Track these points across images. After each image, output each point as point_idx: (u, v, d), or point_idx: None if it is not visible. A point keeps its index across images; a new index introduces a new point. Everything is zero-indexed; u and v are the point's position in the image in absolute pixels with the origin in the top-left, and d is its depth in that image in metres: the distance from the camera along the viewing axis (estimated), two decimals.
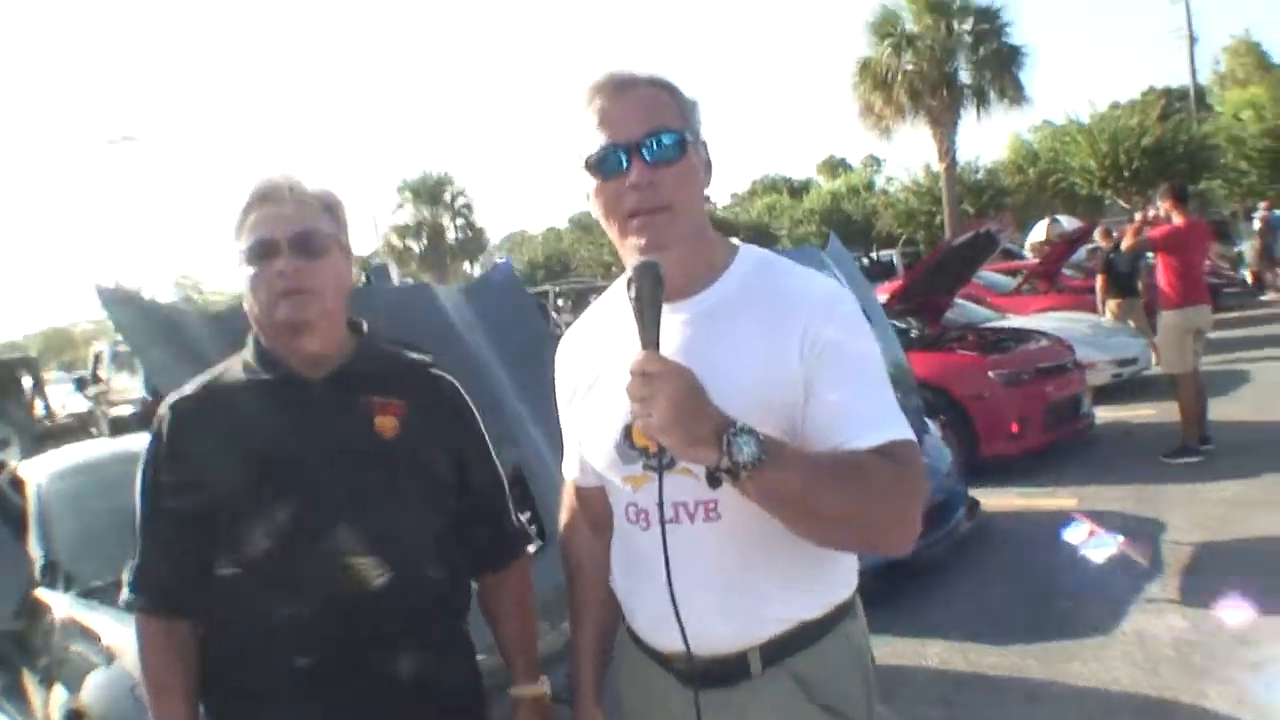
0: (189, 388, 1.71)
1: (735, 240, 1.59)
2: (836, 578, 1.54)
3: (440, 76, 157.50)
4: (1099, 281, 11.25)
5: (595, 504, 1.67)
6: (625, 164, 1.43)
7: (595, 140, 1.45)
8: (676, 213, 1.44)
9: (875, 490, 1.33)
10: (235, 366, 1.71)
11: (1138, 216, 8.00)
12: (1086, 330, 9.99)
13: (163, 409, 1.69)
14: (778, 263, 1.55)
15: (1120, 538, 5.42)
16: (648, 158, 1.42)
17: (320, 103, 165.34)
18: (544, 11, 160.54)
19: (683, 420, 1.25)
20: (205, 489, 1.61)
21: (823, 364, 1.40)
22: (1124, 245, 7.82)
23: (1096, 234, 12.90)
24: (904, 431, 1.40)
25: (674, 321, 1.44)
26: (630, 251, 1.45)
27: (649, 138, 1.42)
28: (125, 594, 1.68)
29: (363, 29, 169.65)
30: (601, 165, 1.45)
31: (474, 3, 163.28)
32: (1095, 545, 5.37)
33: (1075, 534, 5.44)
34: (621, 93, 1.46)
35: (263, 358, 1.68)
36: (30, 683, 3.67)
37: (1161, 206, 7.50)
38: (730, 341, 1.44)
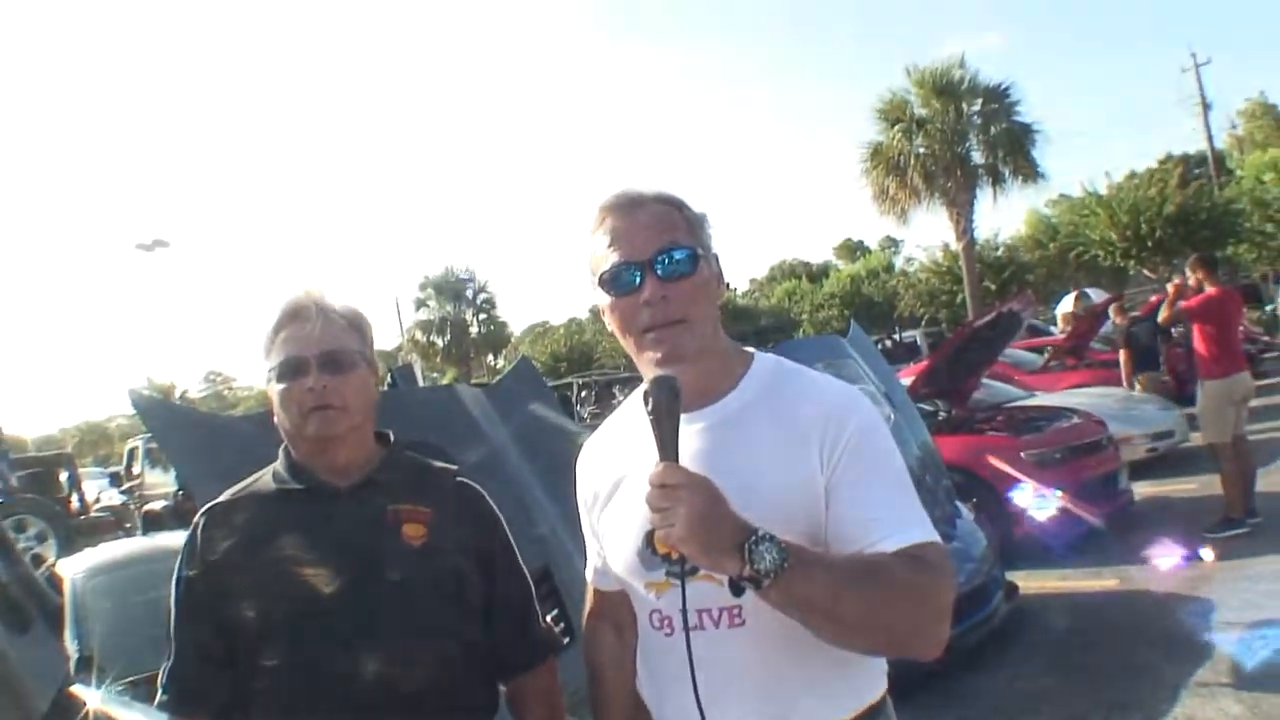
0: (223, 496, 1.76)
1: (750, 349, 1.62)
2: (866, 679, 1.53)
3: (463, 173, 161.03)
4: (1122, 357, 11.19)
5: (618, 608, 1.67)
6: (639, 281, 1.47)
7: (609, 259, 1.50)
8: (690, 325, 1.48)
9: (900, 594, 1.33)
10: (267, 476, 1.77)
11: (1169, 287, 7.96)
12: (1119, 405, 9.90)
13: (198, 516, 1.74)
14: (794, 369, 1.58)
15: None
16: (661, 274, 1.47)
17: (344, 202, 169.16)
18: (559, 103, 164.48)
19: (704, 531, 1.26)
20: (233, 595, 1.64)
21: (843, 470, 1.42)
22: (1160, 317, 7.81)
23: (1111, 311, 12.85)
24: (929, 534, 1.40)
25: (691, 430, 1.46)
26: (647, 365, 1.49)
27: (661, 254, 1.47)
28: (160, 695, 1.71)
29: (383, 128, 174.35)
30: (615, 283, 1.49)
31: (487, 103, 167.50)
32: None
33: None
34: (632, 211, 1.51)
35: (293, 469, 1.73)
36: None
37: (1192, 277, 7.51)
38: (748, 449, 1.46)
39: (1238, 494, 7.06)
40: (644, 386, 1.39)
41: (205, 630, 1.66)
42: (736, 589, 1.29)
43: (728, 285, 1.59)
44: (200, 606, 1.67)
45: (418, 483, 1.78)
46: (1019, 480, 4.98)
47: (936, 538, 1.40)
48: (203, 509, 1.75)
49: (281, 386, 1.68)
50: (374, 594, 1.64)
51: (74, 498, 16.47)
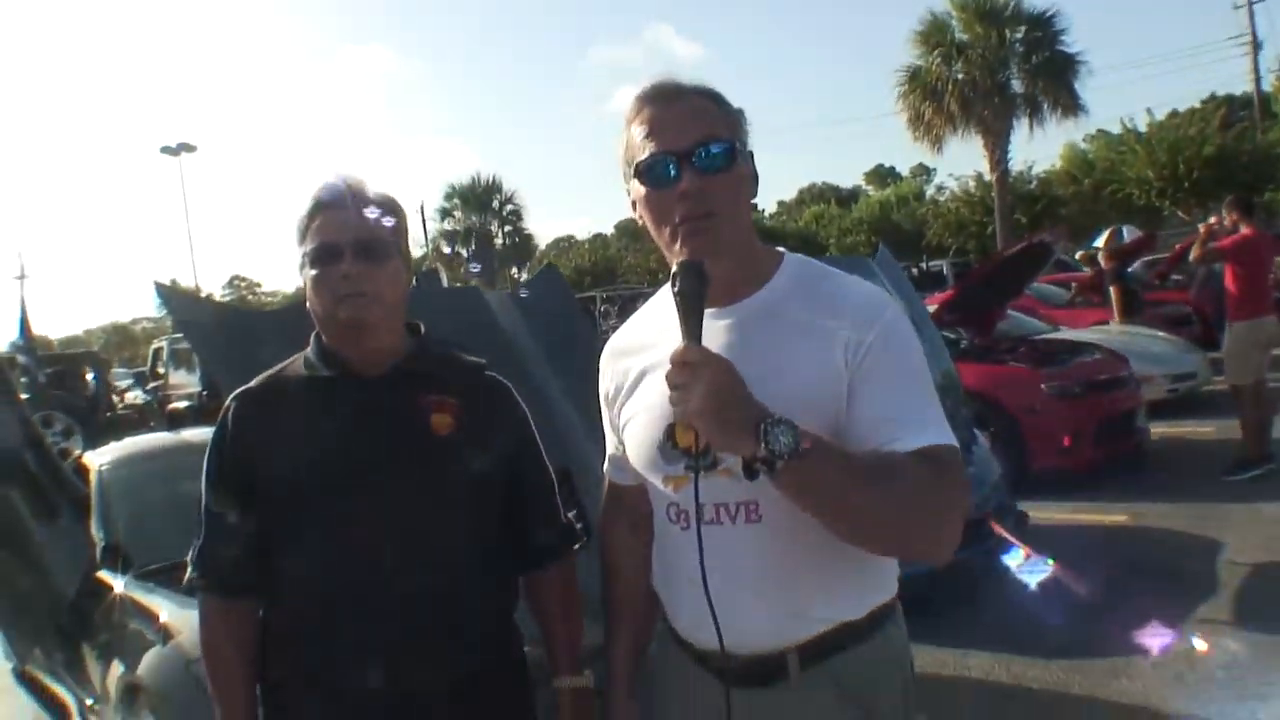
0: (254, 382, 1.78)
1: (781, 249, 1.61)
2: (878, 579, 1.55)
3: (492, 82, 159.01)
4: (1114, 294, 11.15)
5: (635, 503, 1.69)
6: (675, 172, 1.45)
7: (645, 148, 1.48)
8: (724, 220, 1.47)
9: (914, 492, 1.33)
10: (298, 364, 1.78)
11: (1201, 227, 7.86)
12: (1143, 344, 9.82)
13: (229, 401, 1.76)
14: (823, 270, 1.57)
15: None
16: (698, 166, 1.44)
17: (372, 108, 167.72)
18: (588, 12, 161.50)
19: (720, 407, 1.26)
20: (266, 478, 1.67)
21: (866, 369, 1.42)
22: (1192, 256, 7.74)
23: (1101, 257, 12.56)
24: (946, 436, 1.41)
25: (718, 325, 1.47)
26: (678, 257, 1.47)
27: (699, 147, 1.45)
28: (189, 573, 1.76)
29: (408, 33, 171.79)
30: (651, 173, 1.47)
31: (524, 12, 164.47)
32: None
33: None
34: (671, 102, 1.49)
35: (324, 355, 1.74)
36: (89, 658, 3.80)
37: (1228, 217, 7.44)
38: (774, 344, 1.46)
39: (1255, 438, 7.05)
40: (673, 270, 1.39)
41: (235, 510, 1.70)
42: (750, 471, 1.30)
43: (755, 207, 1.57)
44: (231, 487, 1.70)
45: (447, 374, 1.79)
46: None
47: (953, 441, 1.40)
48: (234, 393, 1.77)
49: (315, 272, 1.68)
50: (399, 482, 1.67)
51: (100, 395, 16.76)
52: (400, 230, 1.76)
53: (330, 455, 1.66)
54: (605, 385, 1.70)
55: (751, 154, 1.55)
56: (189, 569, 1.76)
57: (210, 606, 1.75)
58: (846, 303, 1.48)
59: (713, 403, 1.26)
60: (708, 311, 1.38)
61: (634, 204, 1.55)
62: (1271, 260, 7.63)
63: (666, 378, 1.31)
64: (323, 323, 1.73)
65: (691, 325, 1.34)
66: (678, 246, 1.47)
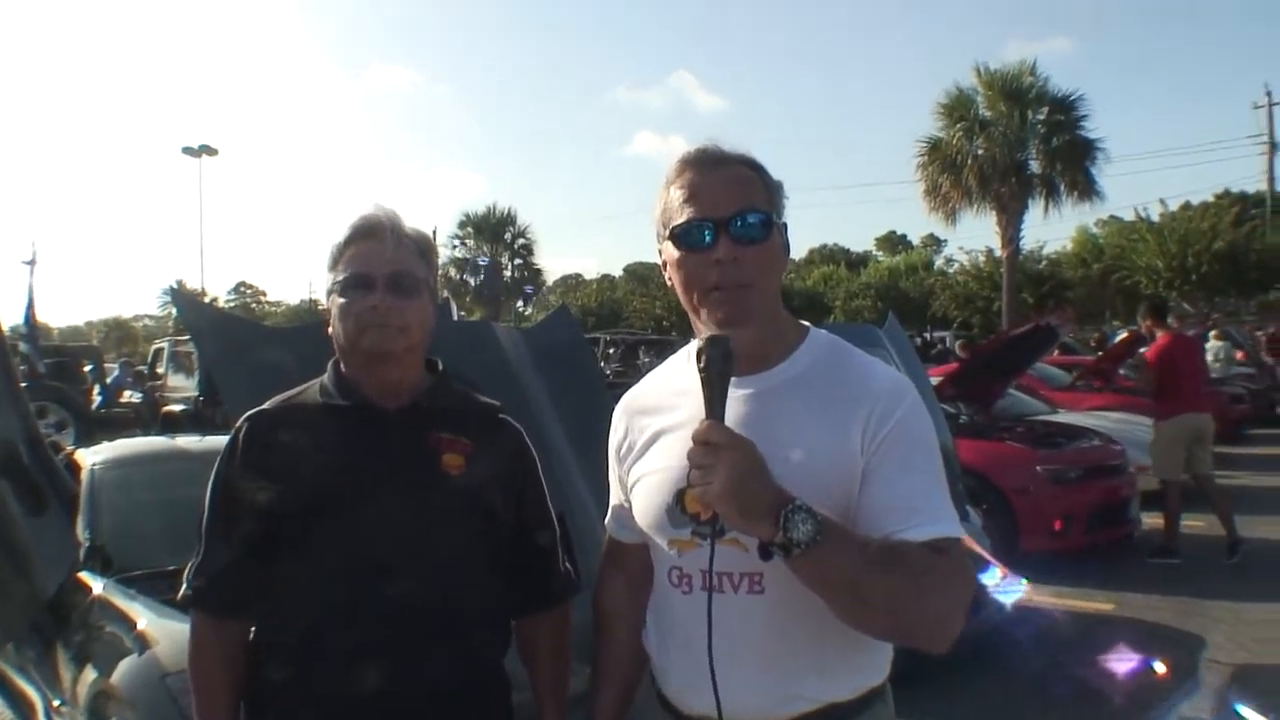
0: (268, 405, 1.78)
1: (806, 324, 1.62)
2: (871, 661, 1.53)
3: (511, 114, 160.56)
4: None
5: (634, 561, 1.68)
6: (711, 239, 1.46)
7: (684, 212, 1.49)
8: (755, 291, 1.48)
9: (922, 584, 1.34)
10: (313, 390, 1.78)
11: (1115, 341, 8.62)
12: (1140, 434, 9.79)
13: (241, 421, 1.76)
14: (848, 350, 1.57)
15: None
16: (734, 235, 1.45)
17: (393, 128, 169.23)
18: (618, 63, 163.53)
19: (742, 492, 1.27)
20: (272, 502, 1.67)
21: (883, 454, 1.42)
22: (1139, 382, 8.46)
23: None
24: (956, 529, 1.42)
25: (739, 395, 1.46)
26: (705, 324, 1.48)
27: (738, 216, 1.46)
28: (184, 590, 1.74)
29: (444, 60, 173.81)
30: (687, 237, 1.48)
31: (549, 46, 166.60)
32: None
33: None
34: (713, 169, 1.50)
35: (341, 384, 1.74)
36: (62, 658, 3.74)
37: (1143, 325, 8.17)
38: (793, 420, 1.46)
39: (1174, 529, 7.49)
40: (697, 343, 1.40)
41: (239, 532, 1.69)
42: (766, 554, 1.30)
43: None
44: (237, 508, 1.69)
45: (462, 414, 1.80)
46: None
47: (962, 534, 1.42)
48: (247, 414, 1.76)
49: (344, 300, 1.69)
50: (408, 517, 1.67)
51: (96, 391, 16.72)
52: (432, 268, 1.78)
53: (340, 483, 1.66)
54: (616, 439, 1.70)
55: (785, 226, 1.56)
56: (184, 585, 1.74)
57: (203, 624, 1.73)
58: (869, 386, 1.48)
59: (735, 488, 1.27)
60: (731, 380, 1.39)
61: (664, 264, 1.56)
62: (1194, 358, 8.10)
63: (689, 456, 1.32)
64: (344, 351, 1.73)
65: (715, 402, 1.34)
66: (705, 313, 1.49)
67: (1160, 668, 5.01)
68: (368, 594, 1.64)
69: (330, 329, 1.75)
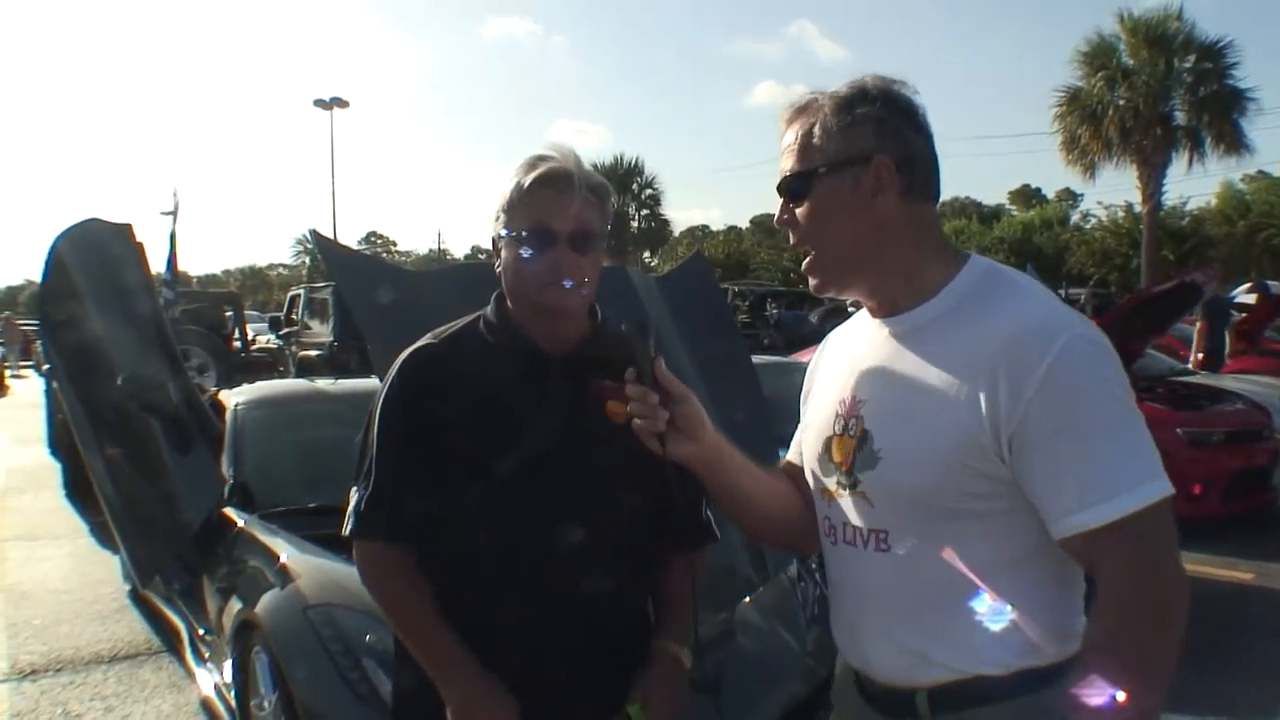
0: (429, 338, 1.77)
1: (970, 254, 1.49)
2: (1031, 640, 1.35)
3: (631, 65, 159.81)
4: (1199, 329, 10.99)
5: (803, 481, 1.62)
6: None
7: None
8: (816, 251, 1.46)
9: (1128, 634, 1.28)
10: (475, 329, 1.78)
11: None
12: None
13: (405, 354, 1.75)
14: (1005, 282, 1.39)
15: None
16: (785, 197, 1.46)
17: (515, 79, 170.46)
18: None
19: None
20: (442, 437, 1.68)
21: (1030, 418, 1.25)
22: None
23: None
24: (1133, 500, 1.23)
25: (879, 337, 1.44)
26: None
27: (783, 180, 1.46)
28: (350, 523, 1.74)
29: (562, 9, 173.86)
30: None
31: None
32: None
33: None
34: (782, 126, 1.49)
35: (507, 327, 1.74)
36: (207, 590, 3.95)
37: None
38: (919, 368, 1.37)
39: None
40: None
41: (407, 464, 1.70)
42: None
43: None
44: (406, 443, 1.70)
45: (624, 362, 1.79)
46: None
47: (1153, 494, 1.25)
48: (412, 349, 1.76)
49: (525, 252, 1.66)
50: (575, 466, 1.69)
51: (236, 336, 17.50)
52: (606, 219, 1.74)
53: (507, 427, 1.67)
54: (806, 381, 1.68)
55: (868, 162, 1.40)
56: (350, 518, 1.74)
57: (374, 554, 1.74)
58: (1009, 328, 1.30)
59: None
60: (871, 320, 1.43)
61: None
62: None
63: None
64: (516, 298, 1.72)
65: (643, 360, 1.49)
66: None
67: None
68: (532, 539, 1.67)
69: (500, 272, 1.73)
